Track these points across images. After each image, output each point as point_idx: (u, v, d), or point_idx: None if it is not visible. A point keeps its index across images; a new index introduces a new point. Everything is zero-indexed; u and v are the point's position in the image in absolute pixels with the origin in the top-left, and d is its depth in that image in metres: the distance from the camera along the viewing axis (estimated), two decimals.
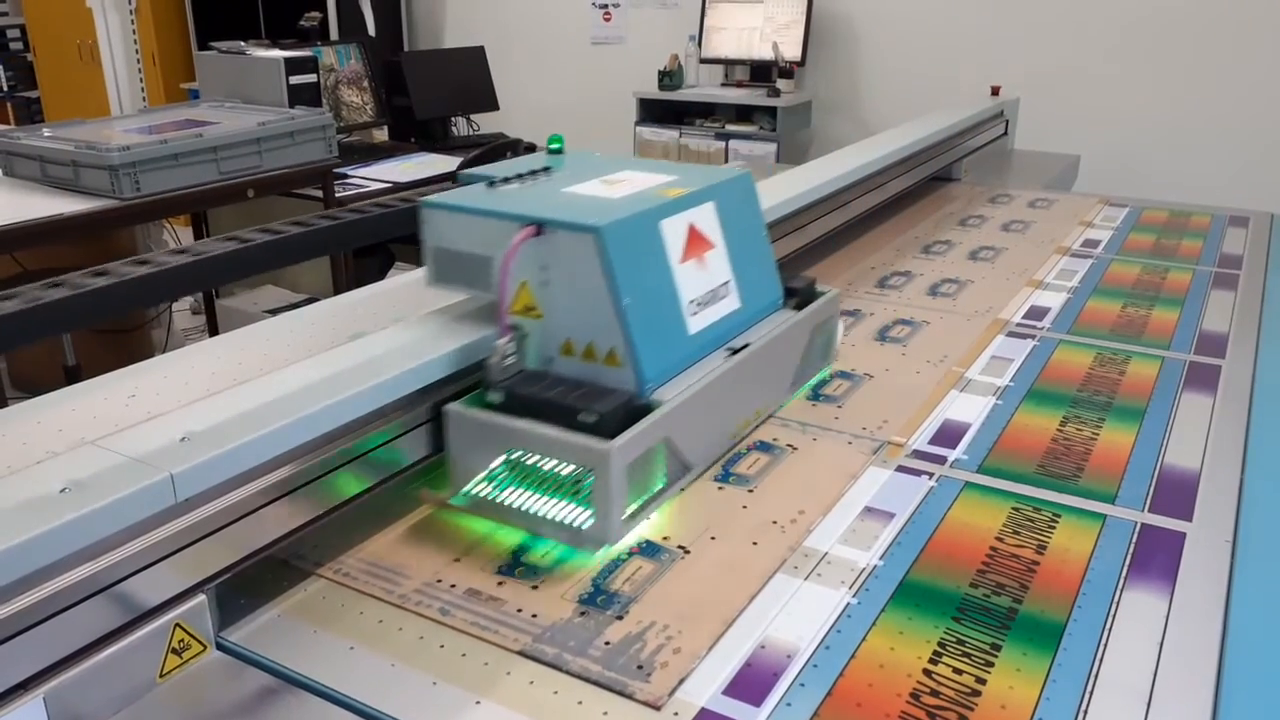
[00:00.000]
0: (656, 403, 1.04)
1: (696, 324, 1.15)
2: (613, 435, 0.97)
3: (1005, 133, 3.34)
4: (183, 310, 4.89)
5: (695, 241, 1.18)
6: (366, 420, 1.00)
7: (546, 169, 1.28)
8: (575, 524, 0.99)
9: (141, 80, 4.69)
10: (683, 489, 1.11)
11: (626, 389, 1.04)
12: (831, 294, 1.39)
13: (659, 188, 1.20)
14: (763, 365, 1.25)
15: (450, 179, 1.36)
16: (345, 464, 0.99)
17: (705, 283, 1.18)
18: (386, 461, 1.04)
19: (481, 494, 1.04)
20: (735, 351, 1.19)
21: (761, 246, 1.33)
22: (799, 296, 1.34)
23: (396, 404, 1.03)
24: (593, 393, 1.02)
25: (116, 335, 3.89)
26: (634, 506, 1.03)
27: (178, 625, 0.83)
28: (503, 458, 1.02)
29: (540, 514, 1.01)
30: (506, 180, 1.21)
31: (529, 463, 1.01)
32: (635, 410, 1.02)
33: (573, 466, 0.98)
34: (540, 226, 1.06)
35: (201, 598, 0.85)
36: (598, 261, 1.03)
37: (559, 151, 1.37)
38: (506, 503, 1.03)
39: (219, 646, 0.86)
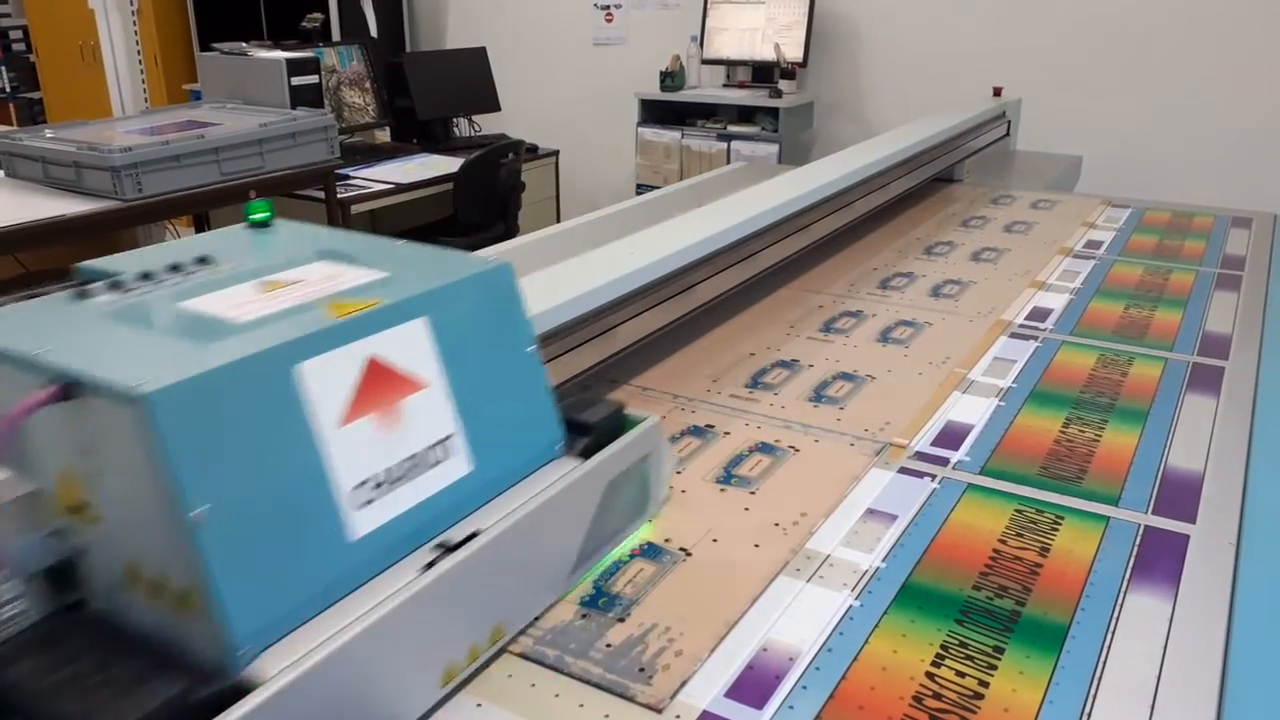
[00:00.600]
0: (249, 684, 0.63)
1: (368, 520, 0.75)
2: None
3: (1007, 134, 3.33)
4: None
5: (379, 385, 0.78)
6: None
7: (202, 260, 0.91)
8: None
9: (143, 81, 4.69)
10: None
11: (203, 658, 0.65)
12: (647, 423, 0.98)
13: (333, 299, 0.82)
14: (508, 559, 0.82)
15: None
16: None
17: (397, 449, 0.78)
18: None
19: None
20: (449, 549, 0.77)
21: (523, 370, 0.92)
22: (592, 434, 0.94)
23: None
24: (129, 675, 0.63)
25: None
26: None
27: None
28: None
29: None
30: (117, 284, 0.84)
31: None
32: (200, 708, 0.62)
33: None
34: (68, 387, 0.67)
35: None
36: (144, 447, 0.64)
37: (266, 222, 1.03)
38: None
39: None
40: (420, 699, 0.76)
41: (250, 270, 0.89)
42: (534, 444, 0.92)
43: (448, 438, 0.83)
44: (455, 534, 0.80)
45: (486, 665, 0.82)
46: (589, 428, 0.94)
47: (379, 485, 0.76)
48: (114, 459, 0.67)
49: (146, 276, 0.86)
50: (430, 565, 0.75)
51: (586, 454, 0.93)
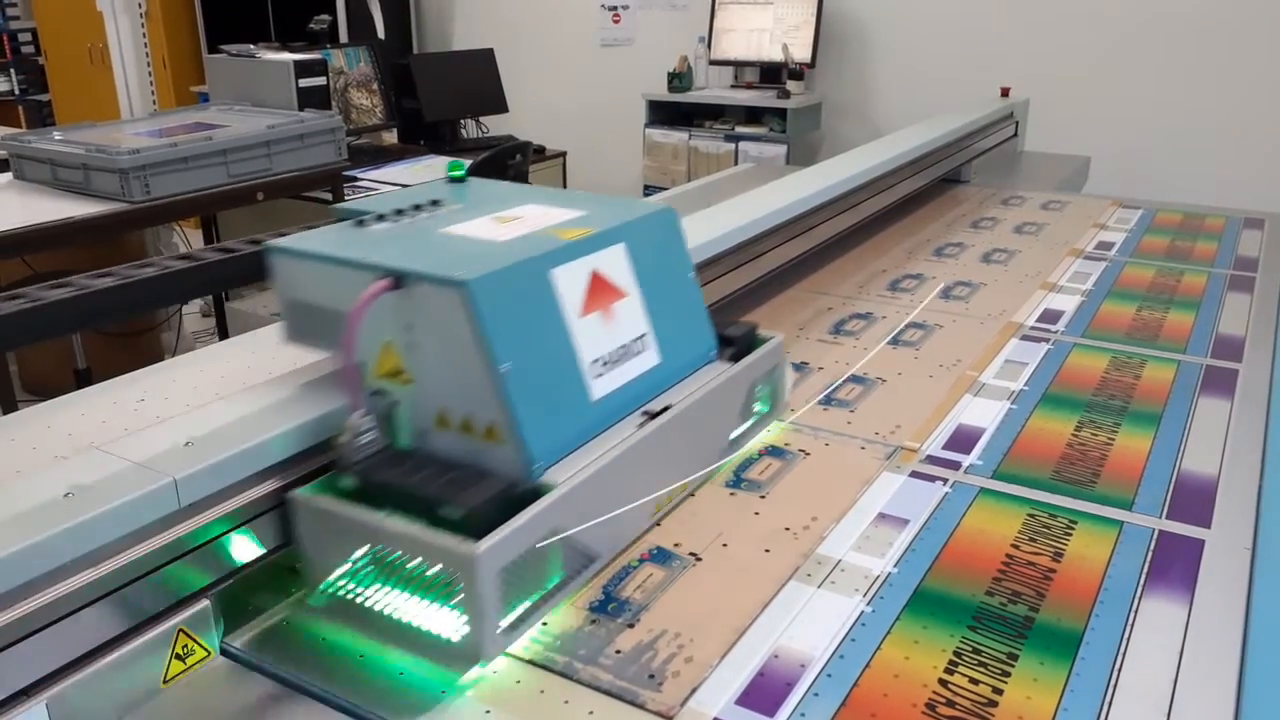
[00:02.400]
0: (546, 487, 0.87)
1: (601, 387, 0.99)
2: (482, 534, 0.79)
3: (1015, 134, 3.32)
4: (192, 313, 4.90)
5: (600, 291, 1.01)
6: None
7: (435, 202, 1.12)
8: (446, 637, 0.83)
9: (152, 83, 4.70)
10: (586, 583, 0.94)
11: (508, 472, 0.87)
12: (774, 341, 1.22)
13: (557, 228, 1.04)
14: (689, 428, 1.07)
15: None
16: (175, 559, 0.82)
17: (613, 338, 1.01)
18: (225, 558, 0.87)
19: (342, 593, 0.88)
20: (653, 415, 1.02)
21: (687, 291, 1.16)
22: (735, 346, 1.18)
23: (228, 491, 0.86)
24: (465, 478, 0.85)
25: (126, 338, 3.90)
26: (517, 613, 0.84)
27: (181, 631, 0.82)
28: (365, 550, 0.85)
29: (407, 623, 0.84)
30: (381, 217, 1.06)
31: (392, 560, 0.84)
32: (516, 499, 0.84)
33: (445, 568, 0.81)
34: (399, 279, 0.89)
35: (206, 603, 0.84)
36: (467, 321, 0.86)
37: (460, 179, 1.22)
38: (369, 605, 0.86)
39: (223, 652, 0.85)
40: (639, 523, 1.02)
41: (477, 209, 1.11)
42: (697, 348, 1.15)
43: (643, 336, 1.06)
44: (653, 406, 1.05)
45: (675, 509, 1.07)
46: (734, 340, 1.18)
47: (605, 364, 1.00)
48: (435, 333, 0.89)
49: (400, 213, 1.08)
50: (641, 425, 1.01)
51: (734, 360, 1.16)
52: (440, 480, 0.85)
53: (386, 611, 0.86)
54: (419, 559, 0.82)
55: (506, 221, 1.06)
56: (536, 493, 0.86)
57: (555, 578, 0.89)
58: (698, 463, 1.11)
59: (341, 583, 0.88)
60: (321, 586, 0.89)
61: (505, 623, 0.83)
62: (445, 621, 0.82)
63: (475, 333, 0.86)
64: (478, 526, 0.80)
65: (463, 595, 0.80)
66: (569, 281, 0.98)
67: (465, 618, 0.81)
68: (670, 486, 1.05)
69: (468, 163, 1.23)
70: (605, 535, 0.95)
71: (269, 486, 0.89)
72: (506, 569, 0.81)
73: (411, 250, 0.96)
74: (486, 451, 0.89)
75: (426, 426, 0.92)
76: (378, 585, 0.86)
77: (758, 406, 1.21)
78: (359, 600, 0.87)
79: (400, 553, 0.83)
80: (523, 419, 0.88)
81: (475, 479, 0.85)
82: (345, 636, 0.87)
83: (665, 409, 1.03)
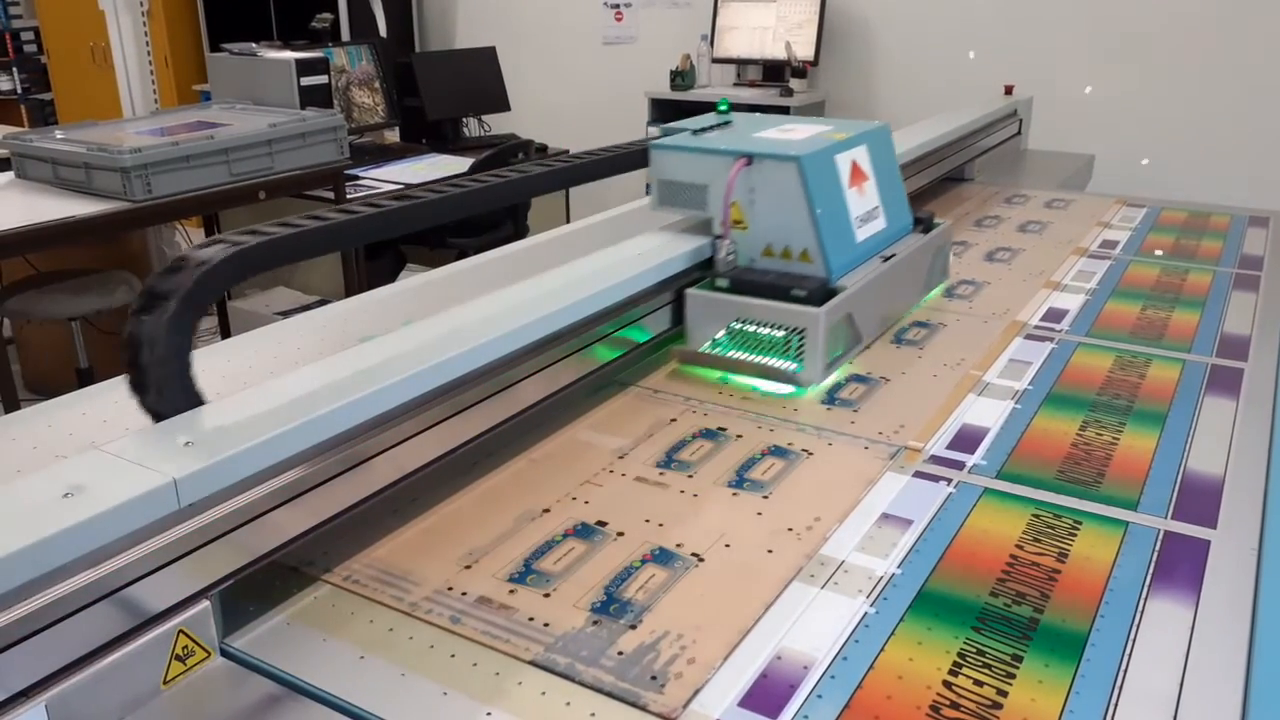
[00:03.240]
0: (841, 287, 1.41)
1: (860, 235, 1.52)
2: (820, 304, 1.35)
3: (1018, 132, 3.31)
4: None
5: (856, 173, 1.55)
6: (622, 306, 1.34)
7: (726, 123, 1.64)
8: (790, 369, 1.36)
9: (154, 82, 4.70)
10: (851, 359, 1.46)
11: (818, 278, 1.40)
12: (946, 225, 1.77)
13: (825, 133, 1.54)
14: (904, 270, 1.62)
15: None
16: (601, 339, 1.32)
17: (864, 205, 1.55)
18: (635, 337, 1.40)
19: (714, 349, 1.42)
20: (887, 259, 1.55)
21: (898, 183, 1.69)
22: (924, 224, 1.71)
23: (646, 292, 1.38)
24: (794, 279, 1.40)
25: None
26: (828, 360, 1.39)
27: (181, 631, 0.82)
28: (732, 323, 1.41)
29: (763, 363, 1.38)
30: (703, 130, 1.58)
31: (749, 330, 1.40)
32: (824, 294, 1.38)
33: (783, 331, 1.36)
34: (750, 159, 1.42)
35: (206, 604, 0.83)
36: (798, 183, 1.40)
37: (726, 112, 1.72)
38: (734, 357, 1.40)
39: (223, 653, 0.85)
40: (874, 329, 1.55)
41: (759, 126, 1.62)
42: (904, 222, 1.68)
43: (876, 207, 1.58)
44: (886, 253, 1.57)
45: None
46: (922, 221, 1.72)
47: (860, 221, 1.52)
48: (773, 192, 1.43)
49: (709, 129, 1.59)
50: (883, 261, 1.54)
51: (924, 232, 1.70)
52: (783, 280, 1.40)
53: (746, 360, 1.39)
54: (772, 325, 1.38)
55: (787, 131, 1.57)
56: (834, 292, 1.40)
57: (841, 348, 1.44)
58: (908, 296, 1.67)
59: (715, 344, 1.43)
60: (703, 348, 1.43)
61: (824, 364, 1.37)
62: (784, 365, 1.37)
63: (803, 190, 1.40)
64: (816, 301, 1.35)
65: (803, 345, 1.35)
66: (842, 165, 1.51)
67: (796, 364, 1.36)
68: (895, 307, 1.61)
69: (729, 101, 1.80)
70: (868, 322, 1.50)
71: (662, 291, 1.42)
72: (828, 328, 1.35)
73: (749, 144, 1.48)
74: (799, 268, 1.43)
75: (754, 257, 1.46)
76: (733, 350, 1.41)
77: (936, 267, 1.77)
78: (726, 348, 1.41)
79: (758, 324, 1.39)
80: (826, 245, 1.41)
81: (802, 279, 1.39)
82: (346, 638, 0.86)
83: (893, 255, 1.57)
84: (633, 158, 1.55)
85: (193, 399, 0.92)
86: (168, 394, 0.89)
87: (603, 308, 1.29)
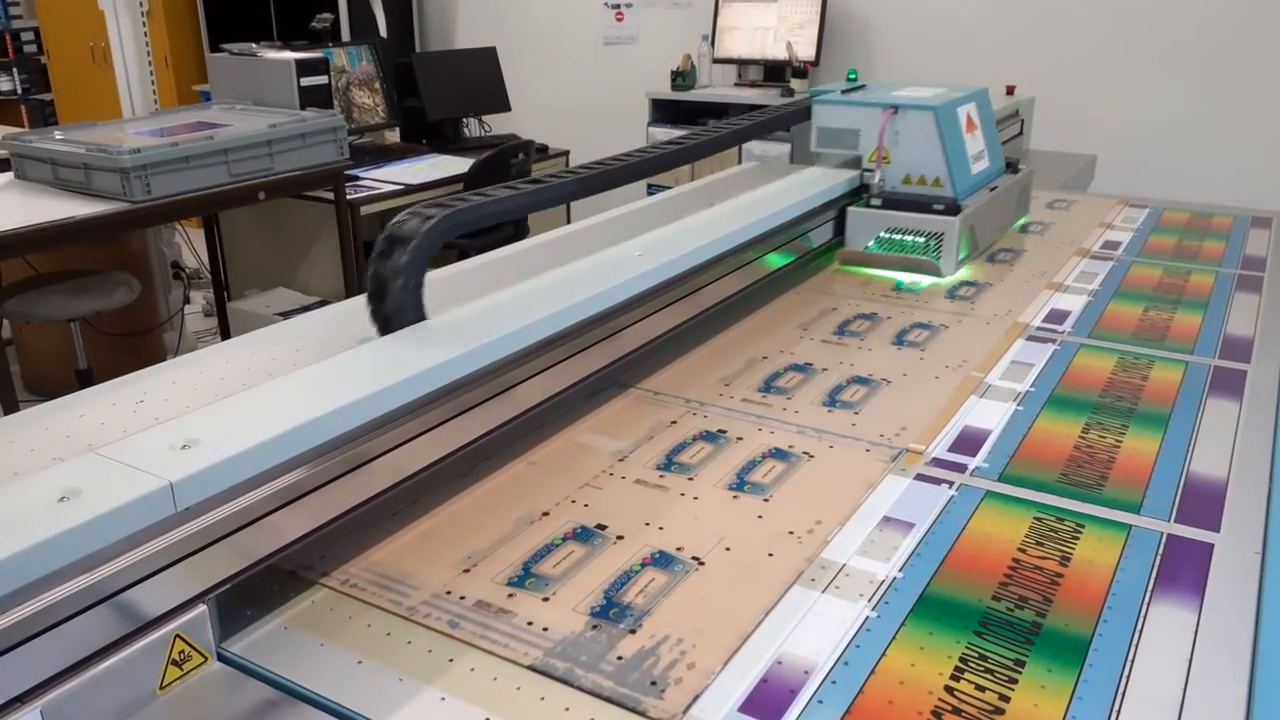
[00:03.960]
0: (966, 205, 1.87)
1: (974, 169, 1.97)
2: (954, 214, 1.82)
3: (1021, 132, 3.30)
4: (195, 313, 4.90)
5: (970, 123, 2.01)
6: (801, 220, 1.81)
7: (863, 86, 2.11)
8: (931, 259, 1.81)
9: (153, 82, 4.69)
10: (970, 262, 1.90)
11: (950, 197, 1.86)
12: (1028, 170, 2.24)
13: (946, 92, 1.99)
14: (1003, 200, 2.07)
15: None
16: (777, 247, 1.74)
17: (975, 148, 2.00)
18: (808, 243, 1.86)
19: (871, 248, 1.89)
20: (992, 190, 2.02)
21: (995, 134, 2.15)
22: (1011, 168, 2.18)
23: (814, 211, 1.85)
24: (931, 198, 1.87)
25: (128, 338, 3.89)
26: (959, 257, 1.85)
27: (178, 636, 0.81)
28: (884, 231, 1.89)
29: (913, 259, 1.84)
30: (850, 90, 2.03)
31: (895, 238, 1.88)
32: (958, 207, 1.85)
33: (925, 235, 1.84)
34: (896, 108, 1.90)
35: (202, 608, 0.83)
36: (935, 126, 1.87)
37: (856, 78, 2.29)
38: (890, 255, 1.87)
39: (220, 658, 0.84)
40: (993, 233, 2.07)
41: (888, 88, 2.05)
42: (998, 164, 2.15)
43: (983, 150, 2.04)
44: (990, 186, 2.04)
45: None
46: (1011, 164, 2.20)
47: (973, 159, 1.98)
48: (913, 136, 1.90)
49: (853, 90, 2.05)
50: (990, 191, 2.01)
51: (1013, 174, 2.17)
52: (922, 199, 1.88)
53: (899, 257, 1.86)
54: (915, 233, 1.86)
55: (916, 91, 2.00)
56: (962, 208, 1.85)
57: (965, 250, 1.89)
58: (1005, 221, 2.14)
59: (869, 248, 1.90)
60: (863, 248, 1.89)
61: (955, 260, 1.84)
62: (926, 260, 1.83)
63: (937, 132, 1.87)
64: (952, 212, 1.84)
65: (940, 245, 1.83)
66: (962, 115, 1.98)
67: (939, 257, 1.82)
68: (997, 228, 2.07)
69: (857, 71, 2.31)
70: (982, 237, 1.98)
71: (829, 212, 1.92)
72: (959, 233, 1.82)
73: (892, 98, 1.93)
74: (933, 191, 1.89)
75: (896, 184, 1.93)
76: (886, 249, 1.89)
77: (1021, 202, 2.24)
78: (880, 250, 1.88)
79: (903, 232, 1.87)
80: (955, 174, 1.87)
81: (937, 199, 1.87)
82: (344, 642, 0.86)
83: (995, 187, 2.05)
84: (795, 115, 2.06)
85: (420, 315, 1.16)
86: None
87: (788, 221, 1.75)
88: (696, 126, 2.56)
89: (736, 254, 1.61)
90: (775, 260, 1.75)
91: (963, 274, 1.84)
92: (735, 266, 1.61)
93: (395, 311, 1.14)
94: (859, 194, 1.96)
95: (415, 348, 1.09)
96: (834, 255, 1.93)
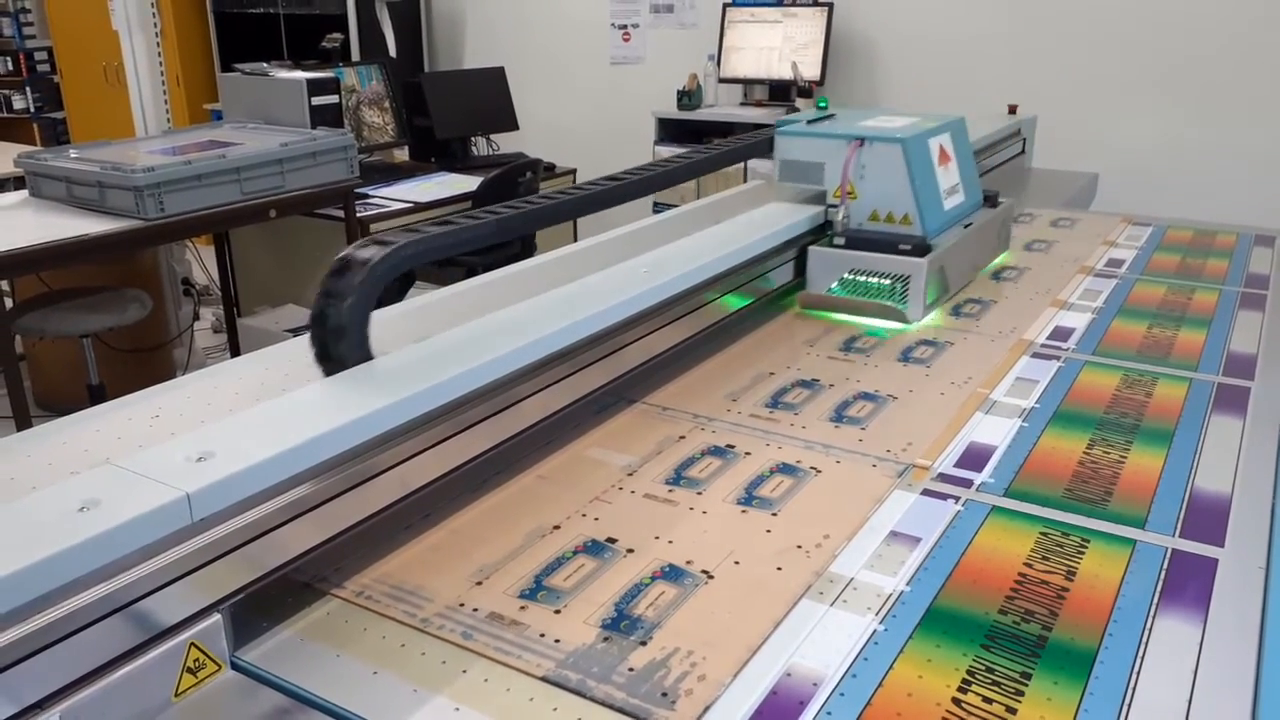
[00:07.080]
0: (936, 244, 1.74)
1: (948, 204, 1.85)
2: (922, 256, 1.68)
3: (1023, 151, 3.32)
4: (204, 329, 4.93)
5: (943, 155, 1.87)
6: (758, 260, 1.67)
7: (830, 116, 2.01)
8: (898, 308, 1.68)
9: (166, 102, 4.73)
10: (941, 304, 1.78)
11: (918, 236, 1.73)
12: (1009, 202, 2.12)
13: (918, 122, 1.87)
14: (980, 236, 1.95)
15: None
16: (734, 289, 1.60)
17: (948, 181, 1.88)
18: (765, 285, 1.71)
19: (833, 291, 1.75)
20: (966, 225, 1.90)
21: (972, 166, 2.03)
22: (990, 201, 2.05)
23: (773, 250, 1.71)
24: (899, 237, 1.74)
25: (139, 354, 3.92)
26: (926, 302, 1.70)
27: (193, 645, 0.82)
28: (847, 272, 1.74)
29: (877, 304, 1.69)
30: (816, 121, 1.91)
31: (859, 279, 1.73)
32: (927, 247, 1.72)
33: (890, 278, 1.69)
34: (863, 140, 1.77)
35: (217, 617, 0.84)
36: (902, 160, 1.73)
37: (825, 106, 2.14)
38: (852, 299, 1.72)
39: (234, 666, 0.85)
40: (963, 280, 1.91)
41: (859, 118, 1.95)
42: (975, 198, 2.02)
43: (957, 184, 1.92)
44: (965, 222, 1.92)
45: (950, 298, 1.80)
46: (990, 198, 2.07)
47: (946, 193, 1.86)
48: (880, 168, 1.76)
49: (819, 120, 1.94)
50: (964, 228, 1.89)
51: (991, 207, 2.05)
52: (889, 239, 1.74)
53: (863, 301, 1.71)
54: (880, 274, 1.71)
55: (886, 121, 1.89)
56: (931, 248, 1.72)
57: (935, 294, 1.74)
58: (981, 258, 2.00)
59: (831, 290, 1.75)
60: (825, 290, 1.75)
61: (923, 304, 1.69)
62: (890, 305, 1.69)
63: (906, 166, 1.73)
64: (920, 253, 1.70)
65: (907, 289, 1.68)
66: (933, 147, 1.84)
67: (902, 305, 1.68)
68: (972, 266, 1.95)
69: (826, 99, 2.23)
70: (954, 275, 1.84)
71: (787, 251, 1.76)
72: (927, 275, 1.68)
73: (860, 129, 1.81)
74: (901, 229, 1.76)
75: (862, 220, 1.80)
76: (846, 295, 1.73)
77: (1000, 237, 2.11)
78: (842, 293, 1.73)
79: (868, 273, 1.72)
80: (924, 211, 1.75)
81: (905, 239, 1.73)
82: (358, 653, 0.87)
83: (970, 224, 1.92)
84: (757, 148, 1.97)
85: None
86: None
87: (744, 261, 1.62)
88: (701, 145, 2.55)
89: (736, 274, 1.61)
90: (734, 302, 1.62)
91: (968, 292, 1.84)
92: (739, 282, 1.62)
93: (349, 351, 1.09)
94: (823, 231, 1.84)
95: (419, 369, 1.10)
96: (795, 299, 1.79)
